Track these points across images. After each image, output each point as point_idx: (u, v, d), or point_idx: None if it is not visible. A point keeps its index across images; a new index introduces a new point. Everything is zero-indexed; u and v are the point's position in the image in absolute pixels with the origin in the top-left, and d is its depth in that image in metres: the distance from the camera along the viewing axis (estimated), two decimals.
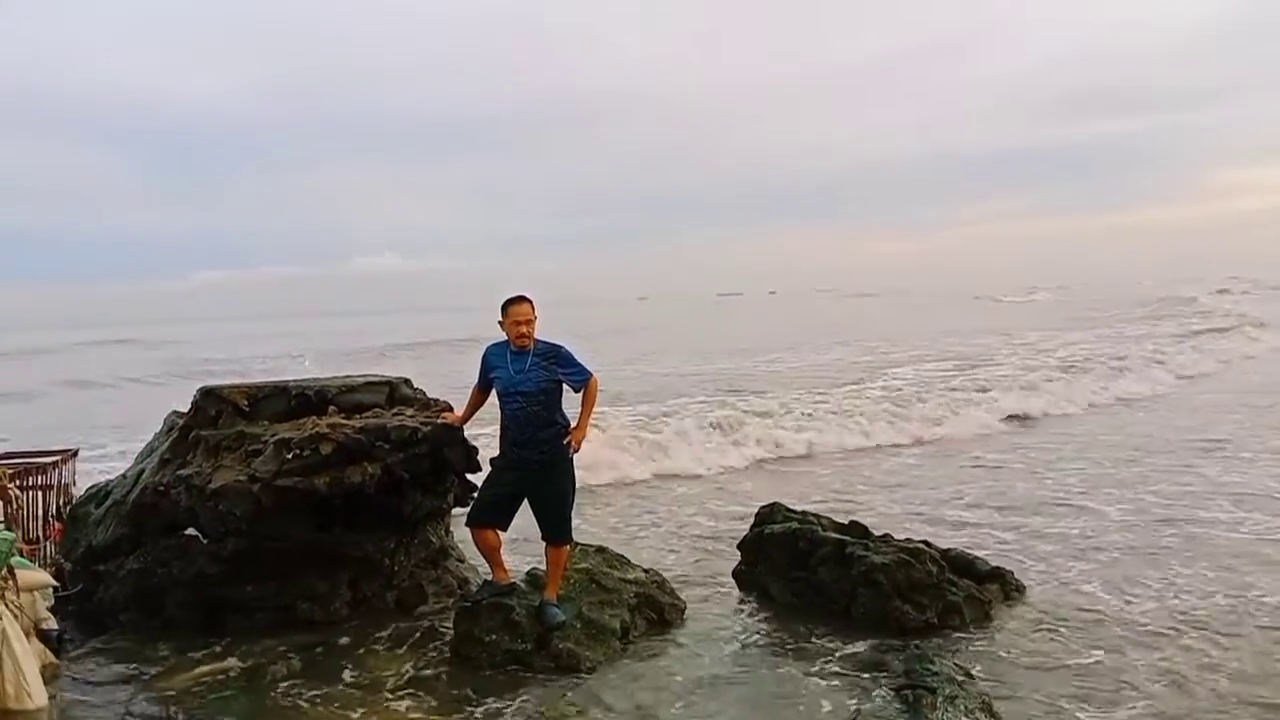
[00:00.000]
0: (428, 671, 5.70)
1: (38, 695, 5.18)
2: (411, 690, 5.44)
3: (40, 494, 7.30)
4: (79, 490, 8.00)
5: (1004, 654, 5.72)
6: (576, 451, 6.03)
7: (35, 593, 5.90)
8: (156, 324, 57.59)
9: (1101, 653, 5.67)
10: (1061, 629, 6.09)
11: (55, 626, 6.09)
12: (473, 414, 6.39)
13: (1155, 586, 6.83)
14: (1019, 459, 11.79)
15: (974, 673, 5.29)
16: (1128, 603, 6.52)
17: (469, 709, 5.19)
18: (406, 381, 7.38)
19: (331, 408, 6.73)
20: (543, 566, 6.20)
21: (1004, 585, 6.73)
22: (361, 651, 6.02)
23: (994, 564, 6.92)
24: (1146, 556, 7.56)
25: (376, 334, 42.10)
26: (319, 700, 5.34)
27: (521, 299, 5.96)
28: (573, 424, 5.96)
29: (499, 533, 6.12)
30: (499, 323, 5.98)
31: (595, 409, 6.16)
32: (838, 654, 5.77)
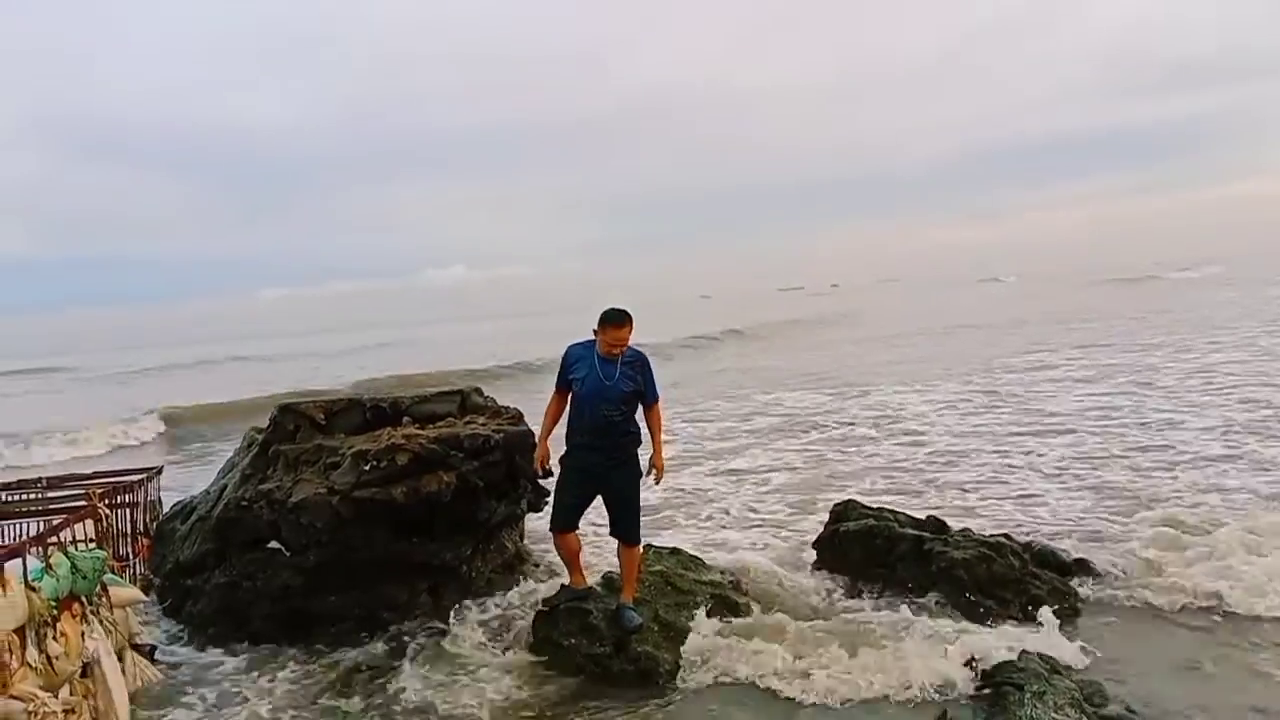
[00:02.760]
0: (507, 676, 5.74)
1: (124, 715, 5.31)
2: (492, 695, 5.49)
3: (128, 512, 7.49)
4: (164, 507, 8.21)
5: (1091, 647, 5.59)
6: (659, 482, 6.08)
7: (128, 609, 6.07)
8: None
9: (1196, 644, 5.50)
10: (1147, 621, 5.93)
11: (148, 641, 6.27)
12: (555, 426, 6.10)
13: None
14: None
15: (1060, 668, 5.18)
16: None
17: (549, 713, 5.21)
18: (477, 390, 7.48)
19: (405, 419, 6.84)
20: (618, 570, 6.22)
21: (1089, 576, 6.58)
22: (442, 657, 6.09)
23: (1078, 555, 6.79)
24: None
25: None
26: (401, 708, 5.42)
27: (623, 322, 5.79)
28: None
29: (579, 536, 6.15)
30: (594, 330, 5.87)
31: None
32: (921, 650, 5.66)
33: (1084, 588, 6.43)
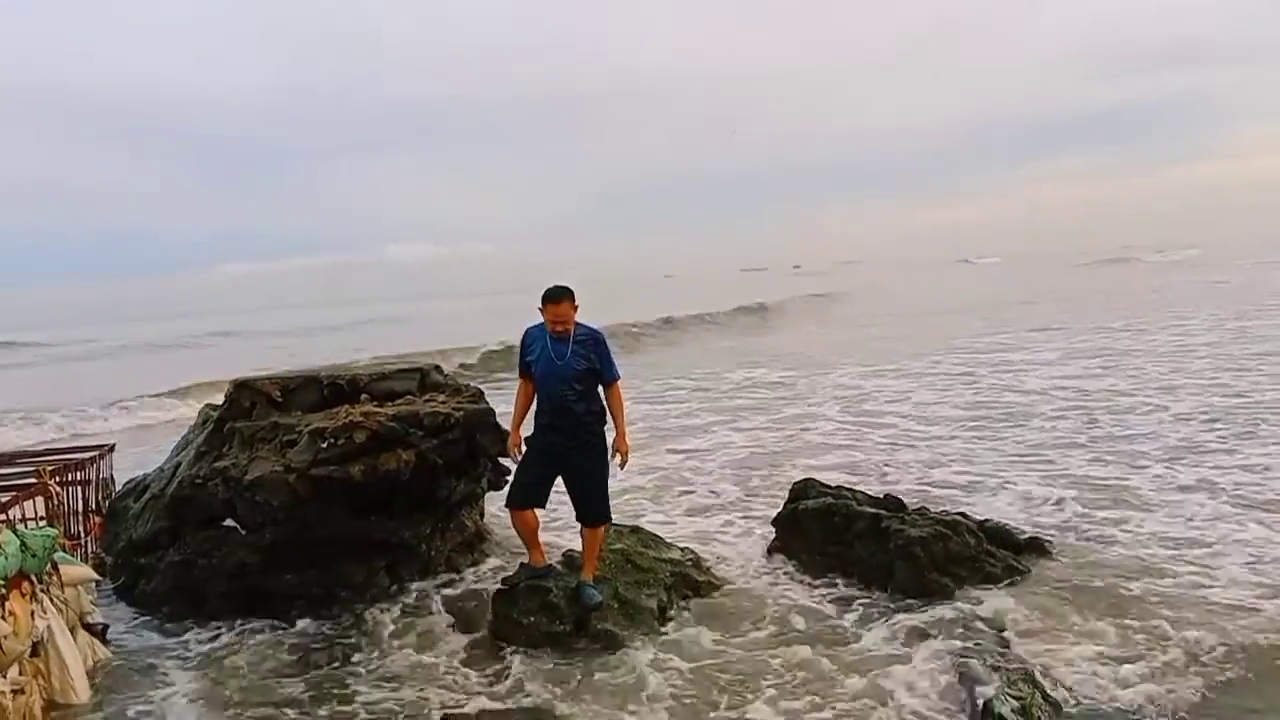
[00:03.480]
0: (466, 654, 5.73)
1: (82, 690, 5.26)
2: (451, 673, 5.48)
3: (79, 489, 7.37)
4: (117, 485, 8.09)
5: (1042, 621, 5.67)
6: (624, 466, 6.06)
7: (79, 587, 5.97)
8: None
9: (1136, 619, 5.61)
10: (1100, 593, 6.03)
11: (100, 620, 6.18)
12: (528, 409, 6.12)
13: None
14: None
15: (1012, 642, 5.28)
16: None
17: (507, 691, 5.21)
18: (437, 368, 7.43)
19: (364, 396, 6.78)
20: (579, 548, 6.22)
21: (1041, 554, 6.68)
22: (400, 637, 6.06)
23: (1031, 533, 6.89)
24: None
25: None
26: (360, 684, 5.39)
27: (561, 298, 5.80)
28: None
29: (536, 514, 6.13)
30: (539, 309, 5.91)
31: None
32: (876, 628, 5.75)
33: (1036, 566, 6.52)
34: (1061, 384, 14.79)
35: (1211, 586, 6.07)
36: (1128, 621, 5.55)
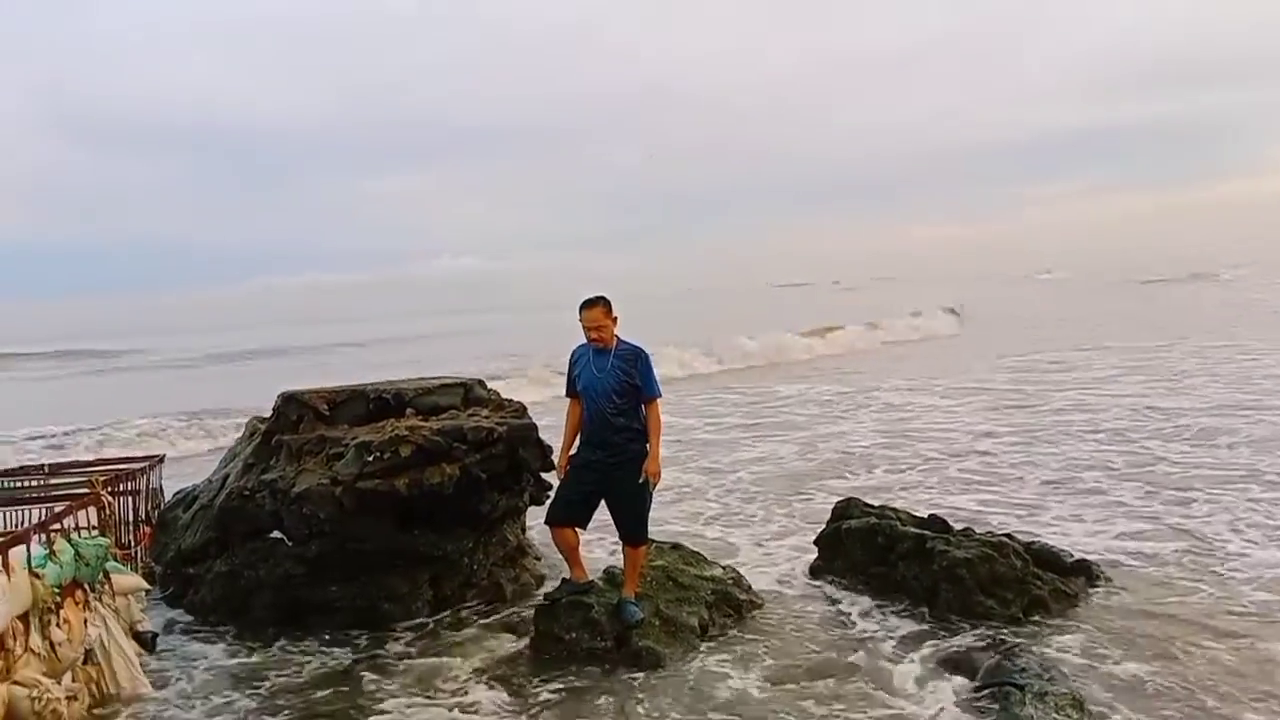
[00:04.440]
0: (507, 669, 5.74)
1: (143, 683, 5.38)
2: (492, 687, 5.49)
3: (130, 499, 7.50)
4: (166, 496, 8.22)
5: (1091, 648, 5.59)
6: (656, 485, 5.99)
7: (130, 596, 6.08)
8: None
9: (1192, 648, 5.50)
10: (1148, 622, 5.93)
11: (149, 629, 6.28)
12: (577, 429, 6.09)
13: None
14: None
15: (1063, 669, 5.19)
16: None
17: (548, 706, 5.22)
18: (480, 383, 7.49)
19: (409, 410, 6.84)
20: (620, 564, 6.22)
21: (1089, 577, 6.58)
22: (442, 650, 6.09)
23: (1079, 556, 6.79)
24: None
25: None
26: (401, 698, 5.42)
27: (594, 303, 5.91)
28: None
29: (577, 531, 6.14)
30: (579, 322, 5.97)
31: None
32: (921, 650, 5.68)
33: (1084, 589, 6.42)
34: (1120, 403, 14.55)
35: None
36: (1174, 652, 5.45)
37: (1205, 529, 7.73)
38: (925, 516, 7.14)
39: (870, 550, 6.77)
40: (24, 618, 4.62)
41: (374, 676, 5.74)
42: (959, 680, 5.21)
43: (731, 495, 10.00)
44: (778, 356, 26.12)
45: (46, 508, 6.27)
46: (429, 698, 5.41)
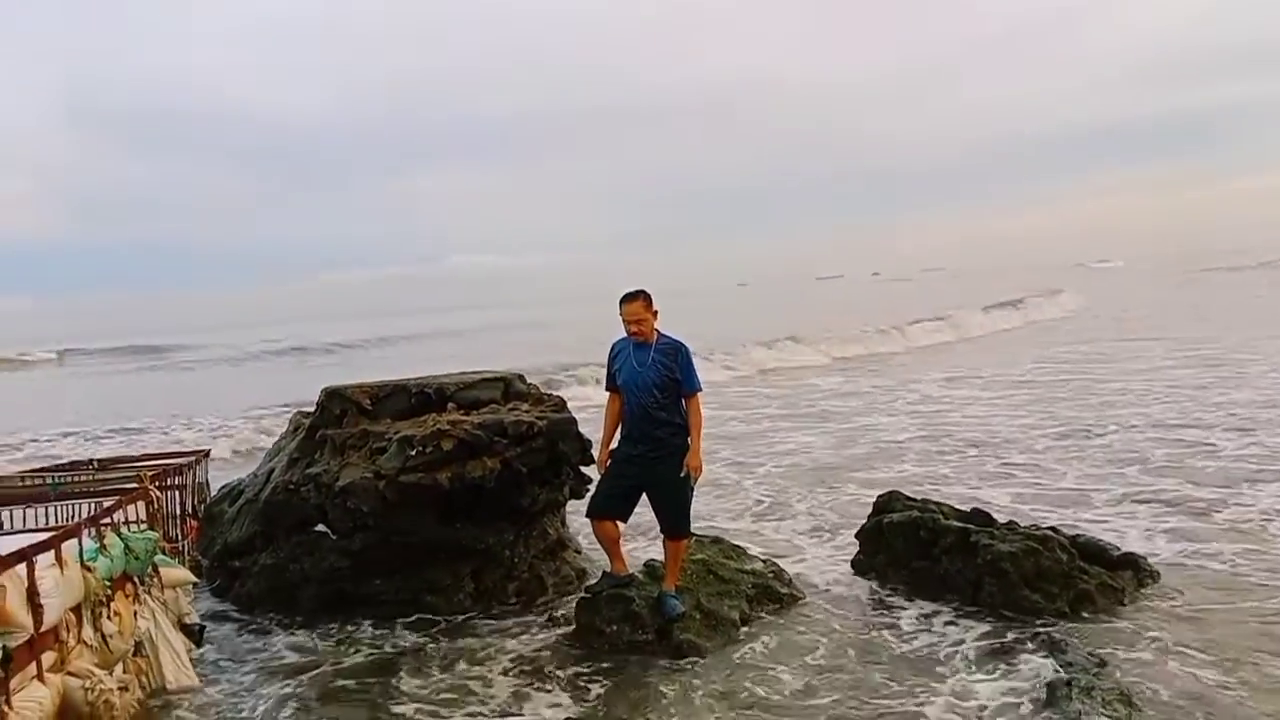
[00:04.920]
0: (549, 662, 5.77)
1: (191, 676, 5.46)
2: (534, 680, 5.51)
3: (177, 494, 7.61)
4: (212, 490, 8.34)
5: (1139, 644, 5.51)
6: (697, 480, 5.97)
7: (178, 589, 6.17)
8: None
9: (1247, 650, 5.40)
10: (1198, 617, 5.84)
11: (196, 621, 6.37)
12: (616, 424, 6.10)
13: None
14: None
15: (1110, 663, 5.12)
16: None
17: (590, 699, 5.24)
18: (520, 377, 7.51)
19: (450, 404, 6.88)
20: (660, 557, 6.22)
21: (1136, 571, 6.48)
22: (484, 642, 6.13)
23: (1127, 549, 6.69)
24: None
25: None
26: (445, 689, 5.46)
27: (633, 297, 5.91)
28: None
29: (618, 524, 6.14)
30: (620, 316, 5.96)
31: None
32: (965, 645, 5.63)
33: (1132, 584, 6.33)
34: (1174, 394, 14.32)
35: None
36: (1227, 652, 5.35)
37: (1263, 530, 7.55)
38: (968, 510, 7.07)
39: (912, 544, 6.72)
40: (77, 610, 4.69)
41: (418, 668, 5.78)
42: (1005, 675, 5.16)
43: (768, 487, 9.98)
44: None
45: (96, 502, 6.37)
46: (472, 690, 5.44)
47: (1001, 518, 6.87)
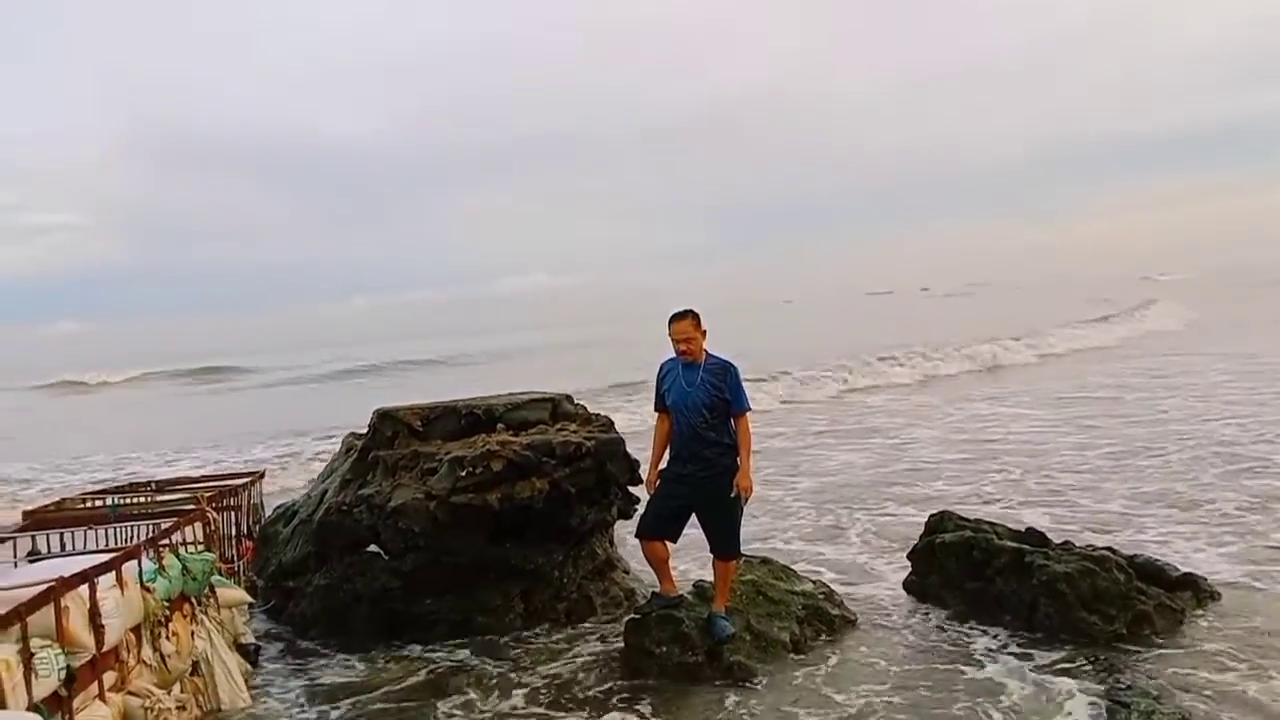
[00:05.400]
0: (599, 684, 5.76)
1: (246, 696, 5.54)
2: (584, 701, 5.51)
3: (233, 515, 7.72)
4: (266, 511, 8.45)
5: (1199, 667, 5.38)
6: (747, 500, 5.93)
7: (234, 609, 6.27)
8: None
9: None
10: (1260, 639, 5.69)
11: (252, 640, 6.46)
12: (665, 445, 6.07)
13: None
14: None
15: (1171, 687, 5.01)
16: None
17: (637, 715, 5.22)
18: (568, 397, 7.55)
19: (499, 425, 6.93)
20: (709, 578, 6.20)
21: (1196, 592, 6.34)
22: (535, 663, 6.15)
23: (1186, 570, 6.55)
24: None
25: None
26: (494, 711, 5.48)
27: (682, 316, 5.91)
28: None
29: (668, 544, 6.13)
30: (669, 335, 5.96)
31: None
32: (1022, 667, 5.54)
33: (1191, 605, 6.19)
34: (1230, 411, 14.02)
35: None
36: None
37: None
38: (1022, 530, 6.97)
39: (965, 564, 6.63)
40: (136, 630, 4.79)
41: (468, 689, 5.80)
42: (1062, 698, 5.07)
43: (817, 507, 9.90)
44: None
45: (155, 524, 6.48)
46: (522, 711, 5.45)
47: (1056, 538, 6.76)
